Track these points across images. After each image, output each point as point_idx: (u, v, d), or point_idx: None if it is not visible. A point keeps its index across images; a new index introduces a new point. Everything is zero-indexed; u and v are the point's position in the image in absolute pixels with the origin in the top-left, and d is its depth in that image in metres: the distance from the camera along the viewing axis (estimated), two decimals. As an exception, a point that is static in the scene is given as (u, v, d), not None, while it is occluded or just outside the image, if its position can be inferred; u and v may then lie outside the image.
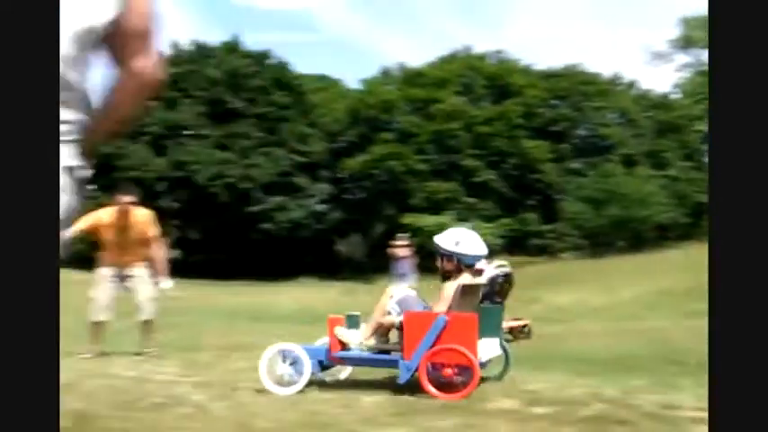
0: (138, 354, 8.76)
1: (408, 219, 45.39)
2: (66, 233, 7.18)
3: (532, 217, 54.39)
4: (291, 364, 5.66)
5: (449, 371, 5.21)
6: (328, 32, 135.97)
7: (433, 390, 5.23)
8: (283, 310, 22.21)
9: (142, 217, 9.07)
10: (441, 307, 5.47)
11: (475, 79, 58.35)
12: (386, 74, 63.64)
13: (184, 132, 55.22)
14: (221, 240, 54.70)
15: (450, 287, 5.54)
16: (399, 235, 21.68)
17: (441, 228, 30.25)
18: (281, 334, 14.24)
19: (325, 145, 58.07)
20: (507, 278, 11.03)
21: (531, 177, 55.44)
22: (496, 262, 11.57)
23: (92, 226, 9.04)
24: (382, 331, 5.85)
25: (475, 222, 46.25)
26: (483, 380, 5.58)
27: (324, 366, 5.85)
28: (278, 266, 50.09)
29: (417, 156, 53.89)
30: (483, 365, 5.53)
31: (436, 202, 50.91)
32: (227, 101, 55.90)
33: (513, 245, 49.67)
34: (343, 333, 5.79)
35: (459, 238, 5.83)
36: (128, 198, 8.99)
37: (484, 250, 5.90)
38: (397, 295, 5.76)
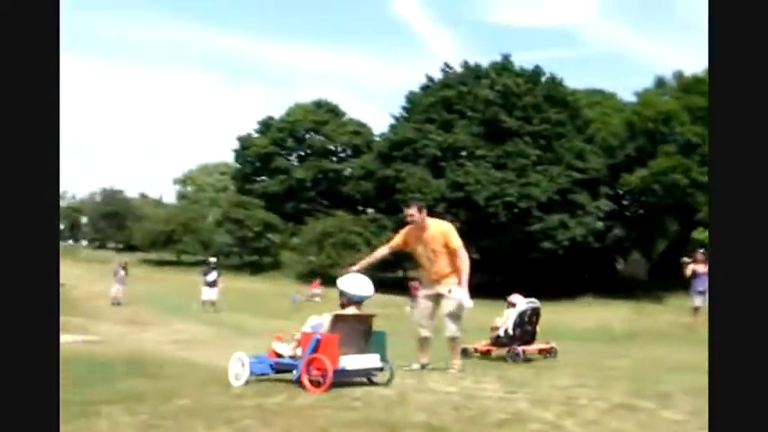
0: (449, 369, 8.61)
1: (699, 234, 43.09)
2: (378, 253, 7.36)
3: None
4: (242, 366, 7.27)
5: (315, 372, 6.77)
6: (594, 46, 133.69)
7: (307, 384, 6.73)
8: (576, 328, 21.56)
9: (437, 229, 8.90)
10: (322, 330, 7.10)
11: (760, 82, 54.79)
12: (661, 83, 61.23)
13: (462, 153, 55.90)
14: (499, 260, 54.66)
15: (330, 315, 7.21)
16: (698, 250, 20.42)
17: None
18: (585, 351, 13.83)
19: (602, 160, 56.70)
20: (535, 311, 12.87)
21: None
22: (528, 299, 13.19)
23: (399, 243, 9.09)
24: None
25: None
26: (373, 384, 7.15)
27: (275, 369, 7.43)
28: (556, 286, 49.31)
29: (702, 167, 51.25)
30: (351, 373, 7.08)
31: (724, 215, 47.98)
32: (502, 120, 55.91)
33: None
34: (277, 346, 7.54)
35: (349, 281, 7.57)
36: (412, 211, 8.90)
37: (367, 292, 7.47)
38: (312, 321, 7.37)
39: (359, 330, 7.26)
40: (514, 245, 53.18)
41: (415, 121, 58.85)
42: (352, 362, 7.04)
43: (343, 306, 7.47)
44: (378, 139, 69.63)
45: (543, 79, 59.72)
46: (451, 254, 8.75)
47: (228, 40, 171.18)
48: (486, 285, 45.93)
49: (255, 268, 63.46)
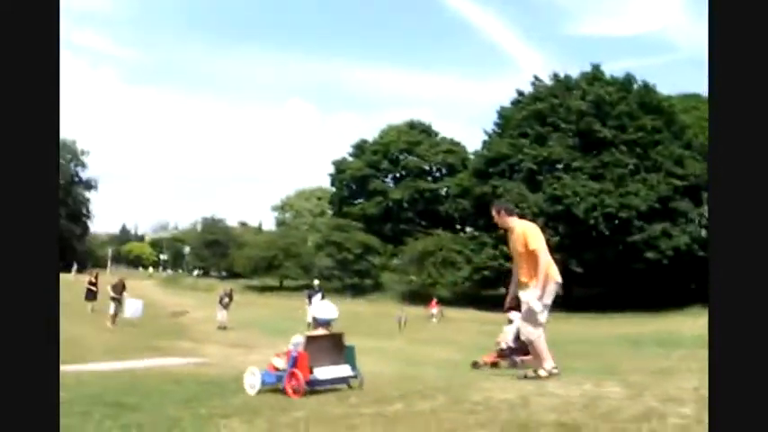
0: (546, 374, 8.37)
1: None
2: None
3: None
4: (254, 377, 8.36)
5: (293, 382, 7.91)
6: (684, 50, 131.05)
7: (289, 391, 7.84)
8: (688, 335, 21.01)
9: (520, 229, 8.60)
10: (300, 348, 8.19)
11: None
12: (760, 83, 59.40)
13: (557, 166, 55.26)
14: (602, 272, 53.67)
15: (304, 336, 8.38)
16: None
17: None
18: (701, 358, 13.43)
19: (702, 166, 55.20)
20: None
21: None
22: None
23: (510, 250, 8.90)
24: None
25: None
26: (351, 388, 8.14)
27: (278, 380, 8.41)
28: (662, 296, 48.18)
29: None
30: (325, 382, 8.16)
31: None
32: (596, 130, 55.08)
33: None
34: (275, 361, 8.55)
35: (317, 306, 9.17)
36: (493, 213, 8.74)
37: (332, 315, 8.62)
38: (294, 339, 8.40)
39: (330, 347, 8.53)
40: (617, 256, 52.14)
41: (508, 137, 58.45)
42: (325, 373, 8.31)
43: (315, 328, 8.80)
44: (472, 156, 69.32)
45: (635, 87, 58.71)
46: (530, 255, 8.43)
47: (318, 68, 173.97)
48: (586, 299, 45.24)
49: (357, 290, 63.78)
